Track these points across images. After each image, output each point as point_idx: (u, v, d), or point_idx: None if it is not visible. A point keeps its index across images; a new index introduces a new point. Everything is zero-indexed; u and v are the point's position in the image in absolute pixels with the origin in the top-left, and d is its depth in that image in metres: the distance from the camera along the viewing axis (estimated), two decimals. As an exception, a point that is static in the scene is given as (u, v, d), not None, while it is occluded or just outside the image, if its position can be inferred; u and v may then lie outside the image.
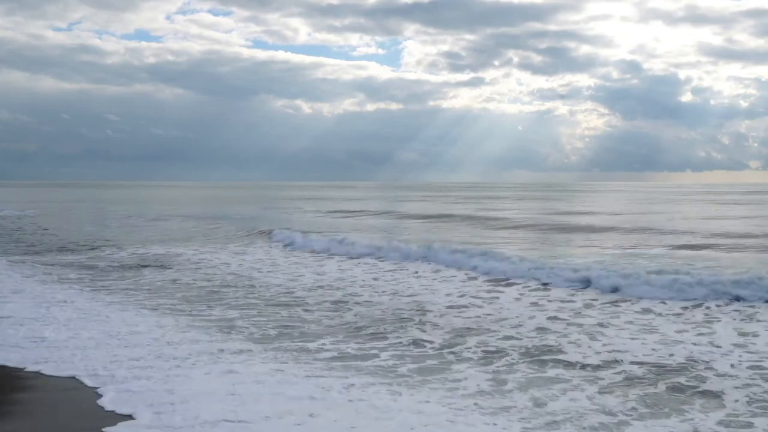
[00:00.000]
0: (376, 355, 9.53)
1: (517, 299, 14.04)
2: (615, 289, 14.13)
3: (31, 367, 8.67)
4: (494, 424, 6.79)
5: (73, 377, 8.29)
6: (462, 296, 14.41)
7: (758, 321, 11.42)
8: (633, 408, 7.31)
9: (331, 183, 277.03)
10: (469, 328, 11.24)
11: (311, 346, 10.08)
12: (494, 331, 11.05)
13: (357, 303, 13.71)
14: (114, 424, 6.69)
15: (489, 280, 16.21)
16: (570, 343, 10.15)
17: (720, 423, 6.88)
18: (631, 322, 11.57)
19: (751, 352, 9.44)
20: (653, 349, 9.67)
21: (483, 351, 9.76)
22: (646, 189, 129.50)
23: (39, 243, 26.89)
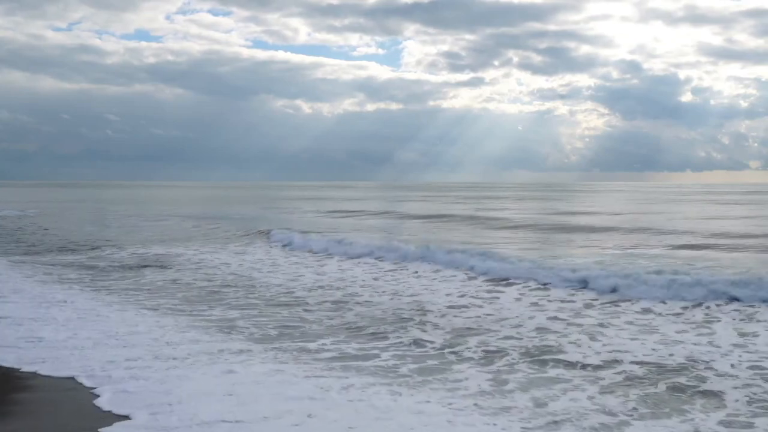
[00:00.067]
0: (376, 356, 9.52)
1: (518, 299, 14.03)
2: (615, 290, 14.11)
3: (27, 368, 8.64)
4: (494, 425, 6.78)
5: (70, 377, 8.26)
6: (462, 296, 14.41)
7: (758, 321, 11.42)
8: (634, 408, 7.31)
9: (331, 183, 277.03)
10: (469, 328, 11.24)
11: (312, 346, 10.07)
12: (494, 331, 11.05)
13: (357, 303, 13.70)
14: (110, 424, 6.68)
15: (489, 280, 16.20)
16: (570, 343, 10.14)
17: (721, 423, 6.88)
18: (631, 323, 11.57)
19: (751, 352, 9.44)
20: (653, 349, 9.66)
21: (483, 351, 9.75)
22: (646, 189, 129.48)
23: (39, 243, 26.88)
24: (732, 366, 8.79)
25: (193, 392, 7.60)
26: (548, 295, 14.24)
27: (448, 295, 14.60)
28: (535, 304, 13.47)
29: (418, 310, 12.87)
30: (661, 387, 8.01)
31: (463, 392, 7.85)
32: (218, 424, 6.66)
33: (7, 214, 45.90)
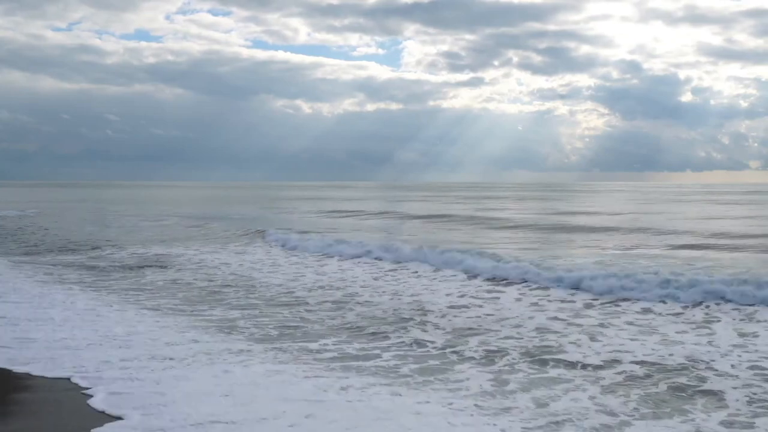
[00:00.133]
0: (378, 356, 9.52)
1: (518, 299, 14.03)
2: (615, 290, 14.10)
3: (21, 368, 8.58)
4: (494, 425, 6.78)
5: (64, 378, 8.22)
6: (462, 296, 14.41)
7: (758, 321, 11.42)
8: (635, 408, 7.31)
9: (331, 183, 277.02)
10: (470, 329, 11.24)
11: (313, 346, 10.07)
12: (495, 330, 11.05)
13: (358, 303, 13.71)
14: (101, 424, 6.66)
15: (489, 281, 16.20)
16: (571, 343, 10.15)
17: (722, 423, 6.88)
18: (631, 323, 11.57)
19: (751, 352, 9.44)
20: (653, 349, 9.67)
21: (485, 350, 9.75)
22: (646, 189, 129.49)
23: (39, 243, 26.88)
24: (732, 366, 8.80)
25: (189, 393, 7.57)
26: (548, 295, 14.25)
27: (448, 295, 14.61)
28: (535, 304, 13.47)
29: (418, 310, 12.87)
30: (662, 387, 8.01)
31: (464, 392, 7.85)
32: (211, 425, 6.61)
33: (8, 214, 45.89)
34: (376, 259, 20.24)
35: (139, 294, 14.74)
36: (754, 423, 6.87)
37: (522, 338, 10.50)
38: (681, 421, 6.93)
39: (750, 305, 12.44)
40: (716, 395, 7.70)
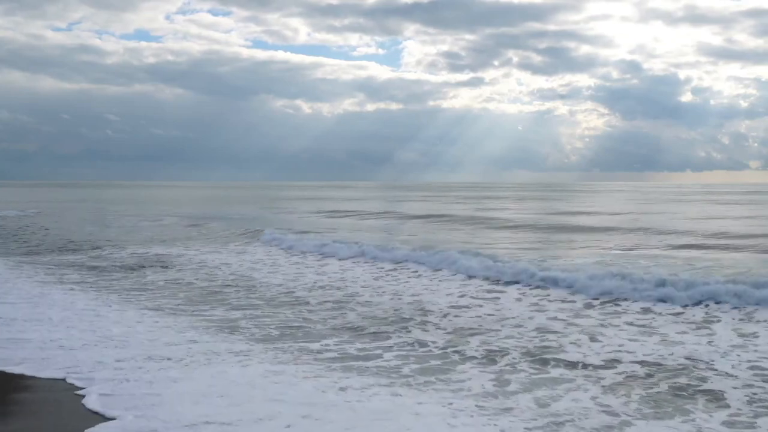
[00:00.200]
0: (379, 356, 9.52)
1: (518, 299, 14.04)
2: (615, 290, 14.10)
3: (15, 369, 8.56)
4: (495, 425, 6.79)
5: (59, 379, 8.20)
6: (462, 296, 14.42)
7: (758, 321, 11.42)
8: (636, 408, 7.31)
9: (331, 183, 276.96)
10: (470, 329, 11.24)
11: (314, 346, 10.07)
12: (495, 331, 11.05)
13: (359, 303, 13.71)
14: (94, 425, 6.64)
15: (489, 281, 16.20)
16: (571, 343, 10.15)
17: (723, 423, 6.88)
18: (631, 323, 11.58)
19: (751, 352, 9.45)
20: (654, 350, 9.67)
21: (485, 350, 9.76)
22: (646, 189, 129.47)
23: (40, 243, 26.88)
24: (732, 366, 8.80)
25: (184, 393, 7.54)
26: (548, 295, 14.25)
27: (448, 295, 14.61)
28: (535, 304, 13.47)
29: (419, 310, 12.87)
30: (663, 387, 8.01)
31: (465, 393, 7.85)
32: (203, 425, 6.56)
33: (8, 215, 45.89)
34: (376, 259, 20.20)
35: (140, 294, 14.74)
36: (755, 423, 6.88)
37: (522, 338, 10.51)
38: (682, 421, 6.93)
39: (750, 305, 12.44)
40: (717, 395, 7.70)
